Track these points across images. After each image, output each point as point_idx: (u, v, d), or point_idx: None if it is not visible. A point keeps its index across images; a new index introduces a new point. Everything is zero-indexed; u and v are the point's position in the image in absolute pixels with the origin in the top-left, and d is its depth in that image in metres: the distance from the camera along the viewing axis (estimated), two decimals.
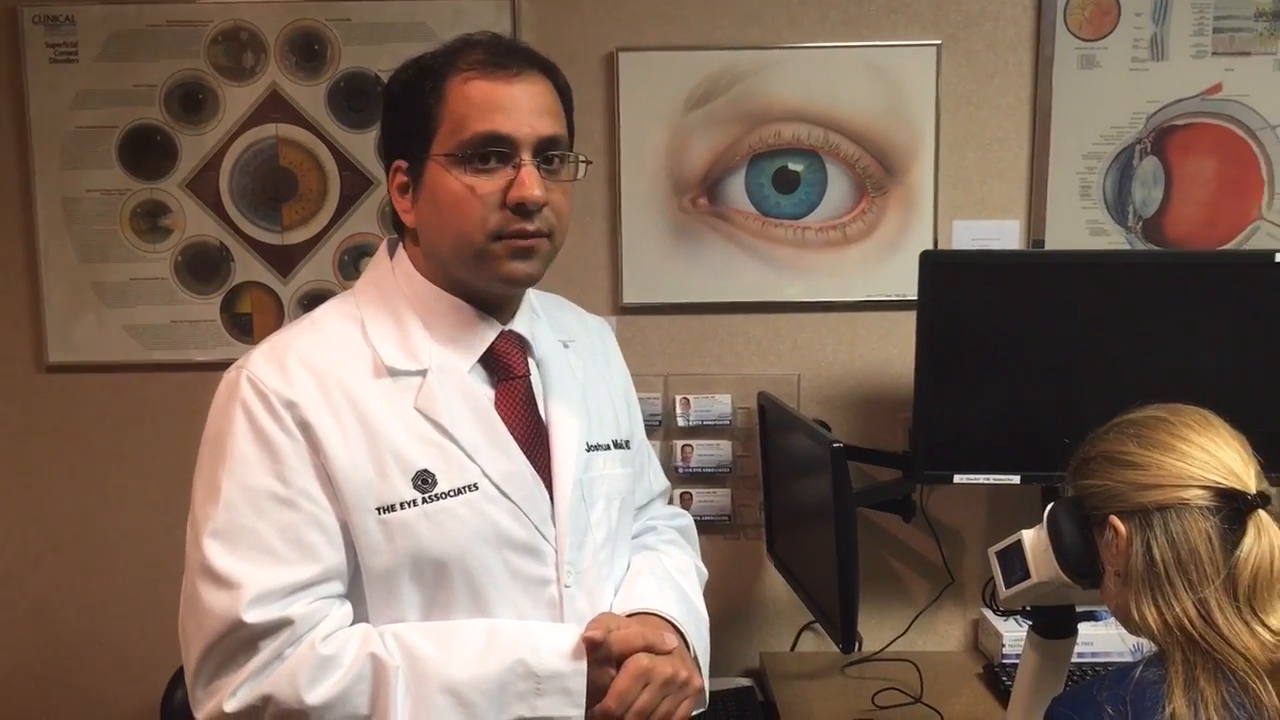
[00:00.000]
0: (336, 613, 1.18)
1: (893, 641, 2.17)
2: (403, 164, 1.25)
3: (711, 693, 2.04)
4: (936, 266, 1.91)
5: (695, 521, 2.17)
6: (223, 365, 1.25)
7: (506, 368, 1.29)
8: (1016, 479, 1.93)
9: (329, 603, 1.18)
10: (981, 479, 1.93)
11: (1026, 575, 1.50)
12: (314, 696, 1.13)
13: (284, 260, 2.16)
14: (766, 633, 2.23)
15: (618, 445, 1.38)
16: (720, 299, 2.16)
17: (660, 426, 2.18)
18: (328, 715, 1.14)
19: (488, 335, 1.28)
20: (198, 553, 1.16)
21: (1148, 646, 1.29)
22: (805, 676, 2.07)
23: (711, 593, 2.21)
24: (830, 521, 1.70)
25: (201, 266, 2.16)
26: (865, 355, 2.19)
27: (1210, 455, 1.27)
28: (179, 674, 1.81)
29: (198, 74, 2.11)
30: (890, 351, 2.15)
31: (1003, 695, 1.91)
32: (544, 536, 1.25)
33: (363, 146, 2.13)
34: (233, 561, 1.14)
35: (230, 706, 1.14)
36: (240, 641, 1.13)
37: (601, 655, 1.21)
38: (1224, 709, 1.15)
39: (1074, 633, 1.59)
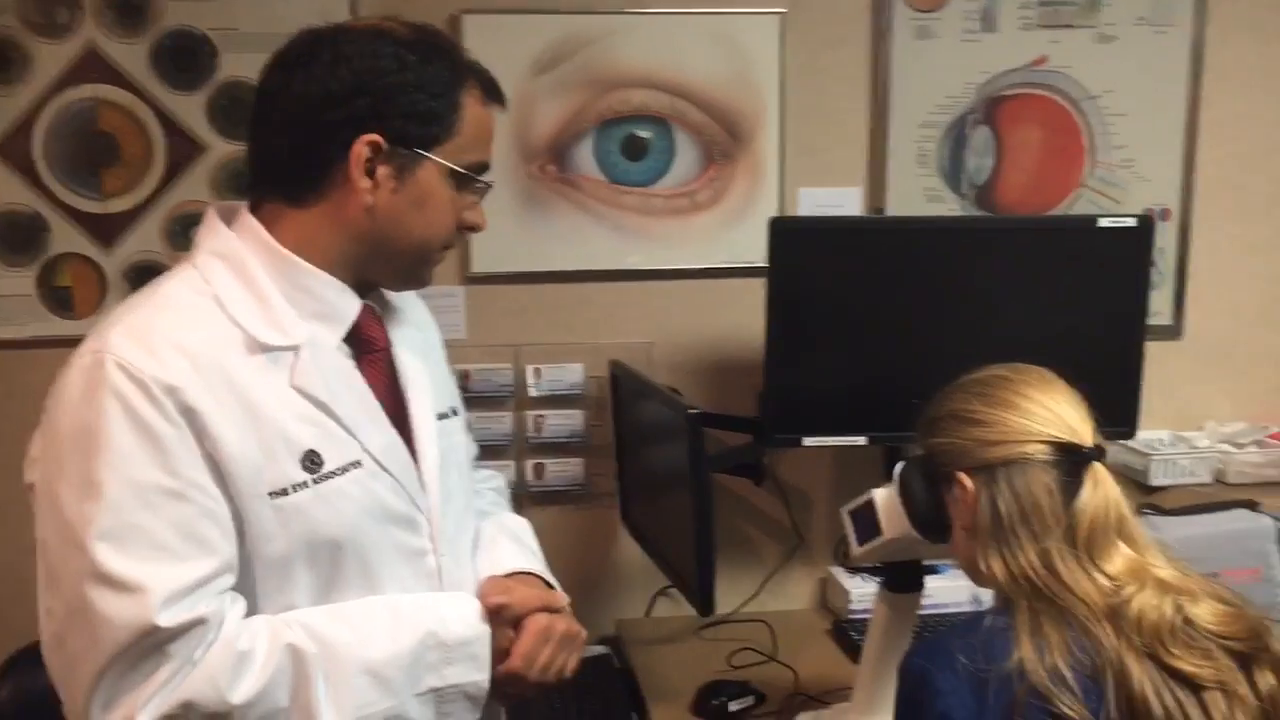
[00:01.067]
0: (237, 607, 1.12)
1: (745, 603, 2.20)
2: (380, 143, 1.16)
3: None
4: (785, 233, 1.93)
5: (549, 492, 2.18)
6: (40, 344, 1.16)
7: (368, 341, 1.25)
8: (863, 440, 1.98)
9: (228, 597, 1.12)
10: (830, 441, 1.98)
11: (878, 533, 1.54)
12: (238, 695, 1.07)
13: (106, 230, 2.03)
14: (622, 600, 2.24)
15: (455, 412, 1.38)
16: (570, 267, 2.14)
17: (511, 397, 2.15)
18: (250, 713, 1.08)
19: (352, 309, 1.23)
20: (82, 559, 1.05)
21: (990, 597, 1.34)
22: (661, 641, 2.08)
23: (566, 562, 2.20)
24: (686, 487, 1.71)
25: (14, 237, 2.01)
26: (715, 322, 2.20)
27: (1050, 411, 1.33)
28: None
29: (6, 30, 1.96)
30: (740, 318, 2.17)
31: (851, 649, 1.97)
32: (419, 508, 1.24)
33: (190, 109, 2.02)
34: (130, 563, 1.05)
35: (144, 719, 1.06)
36: (149, 648, 1.05)
37: (504, 619, 1.24)
38: (1068, 652, 1.21)
39: (922, 586, 1.64)
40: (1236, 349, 2.34)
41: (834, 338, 1.98)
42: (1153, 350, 2.15)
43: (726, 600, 2.21)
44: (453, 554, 1.27)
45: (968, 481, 1.33)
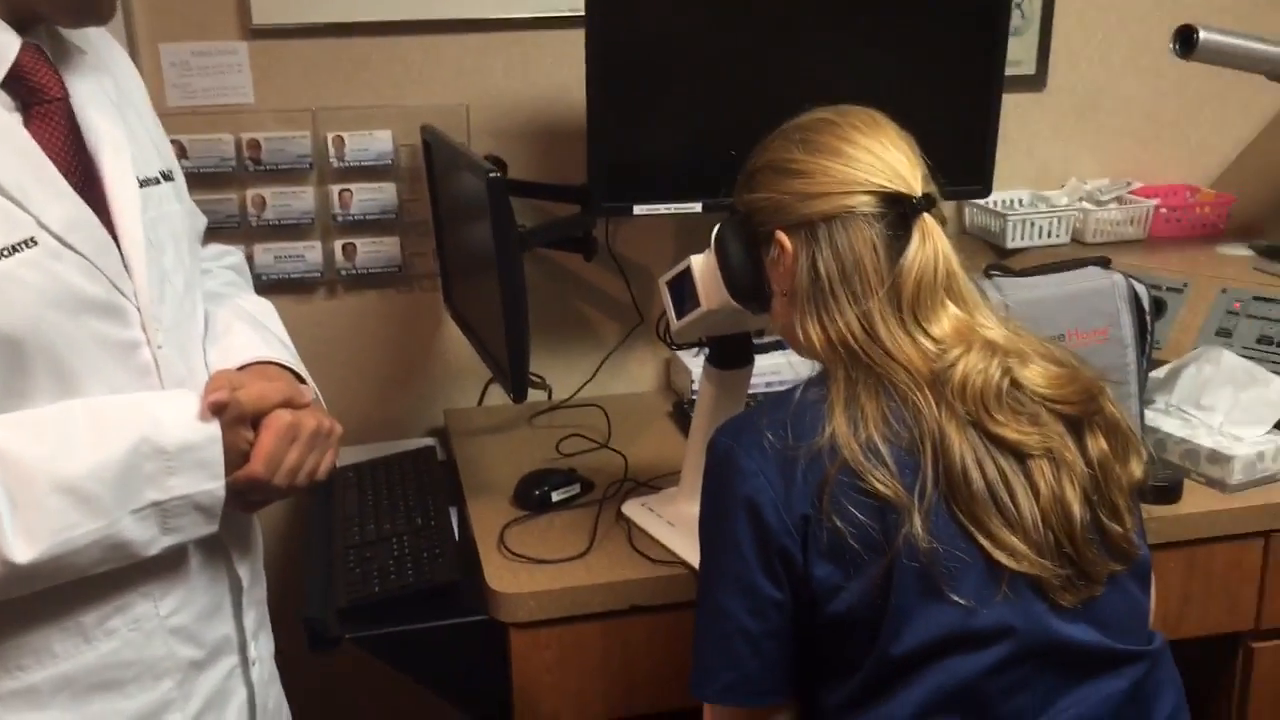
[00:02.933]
0: None
1: (582, 387, 2.06)
2: None
3: (388, 456, 1.91)
4: None
5: (363, 275, 1.98)
6: None
7: (37, 89, 1.00)
8: (698, 207, 1.80)
9: None
10: (663, 209, 1.80)
11: (696, 304, 1.39)
12: None
13: None
14: (451, 389, 2.08)
15: (166, 178, 1.14)
16: (372, 18, 1.88)
17: (312, 170, 1.91)
18: None
19: (8, 48, 0.99)
20: None
21: (812, 369, 1.21)
22: (491, 431, 1.94)
23: (388, 351, 2.04)
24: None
25: None
26: (539, 81, 1.97)
27: (876, 158, 1.17)
28: None
29: None
30: (566, 76, 1.94)
31: (686, 428, 1.85)
32: (122, 293, 1.02)
33: None
34: None
35: None
36: None
37: (233, 417, 1.03)
38: (884, 424, 1.09)
39: (750, 361, 1.51)
40: (1103, 100, 2.20)
41: (663, 95, 1.77)
42: (1012, 103, 2.00)
43: (565, 385, 2.08)
44: (175, 345, 1.07)
45: (786, 240, 1.18)
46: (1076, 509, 1.10)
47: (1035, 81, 2.15)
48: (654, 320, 2.09)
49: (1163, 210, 2.11)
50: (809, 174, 1.18)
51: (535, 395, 2.03)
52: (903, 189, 1.15)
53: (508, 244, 1.50)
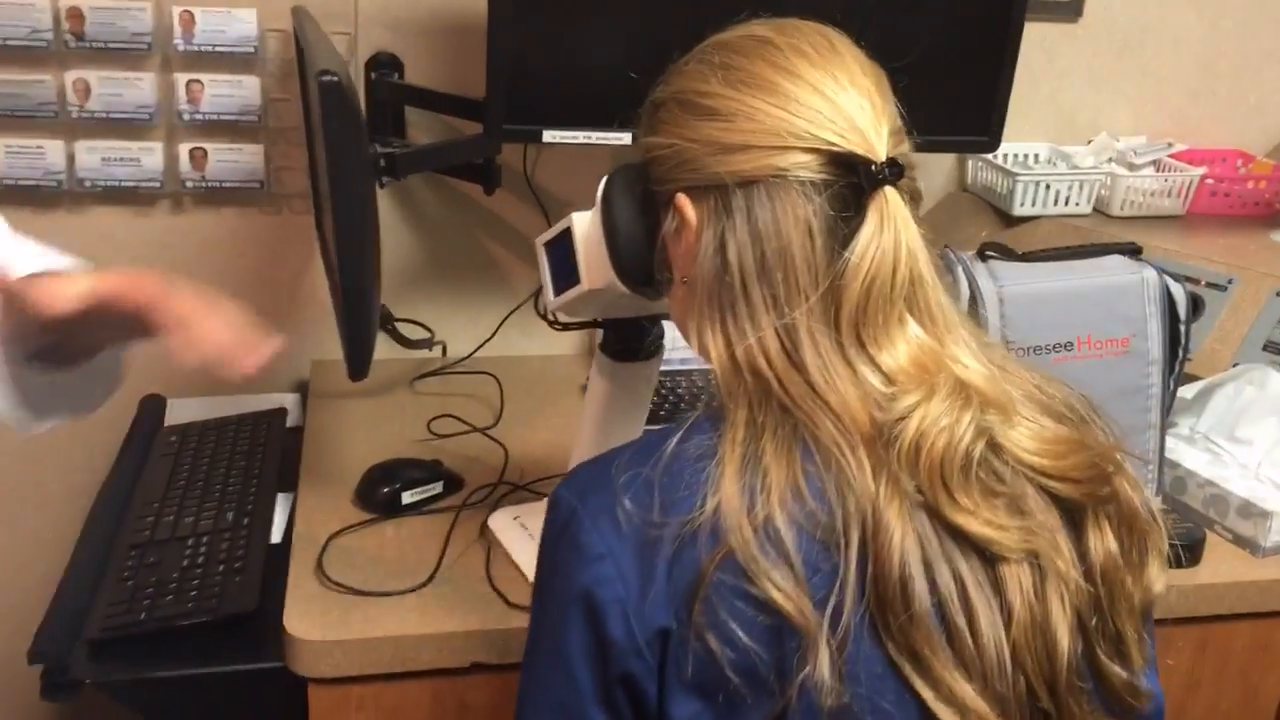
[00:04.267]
0: None
1: (480, 347, 1.70)
2: None
3: (229, 418, 1.55)
4: None
5: (217, 188, 1.60)
6: None
7: None
8: (627, 138, 1.42)
9: None
10: (579, 137, 1.42)
11: (576, 279, 1.02)
12: None
13: None
14: (325, 335, 1.71)
15: None
16: None
17: (151, 52, 1.52)
18: None
19: None
20: None
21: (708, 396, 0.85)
22: (360, 394, 1.58)
23: (248, 281, 1.67)
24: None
25: None
26: None
27: (825, 100, 0.80)
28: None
29: None
30: None
31: None
32: None
33: None
34: None
35: None
36: None
37: None
38: (794, 498, 0.73)
39: (656, 353, 1.14)
40: (1148, 39, 1.80)
41: None
42: (1036, 34, 1.61)
43: (463, 341, 1.71)
44: None
45: (689, 207, 0.83)
46: (1064, 641, 0.75)
47: (1068, 8, 1.74)
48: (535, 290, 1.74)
49: (1209, 181, 1.73)
50: (727, 115, 0.81)
51: (426, 353, 1.68)
52: (858, 148, 0.78)
53: (346, 173, 1.12)
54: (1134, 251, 1.28)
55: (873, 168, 0.78)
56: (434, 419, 1.49)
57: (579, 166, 1.67)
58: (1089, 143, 1.81)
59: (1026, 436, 0.77)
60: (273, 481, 1.37)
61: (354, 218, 1.14)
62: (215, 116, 1.56)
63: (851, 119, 0.79)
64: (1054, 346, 1.22)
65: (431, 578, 1.17)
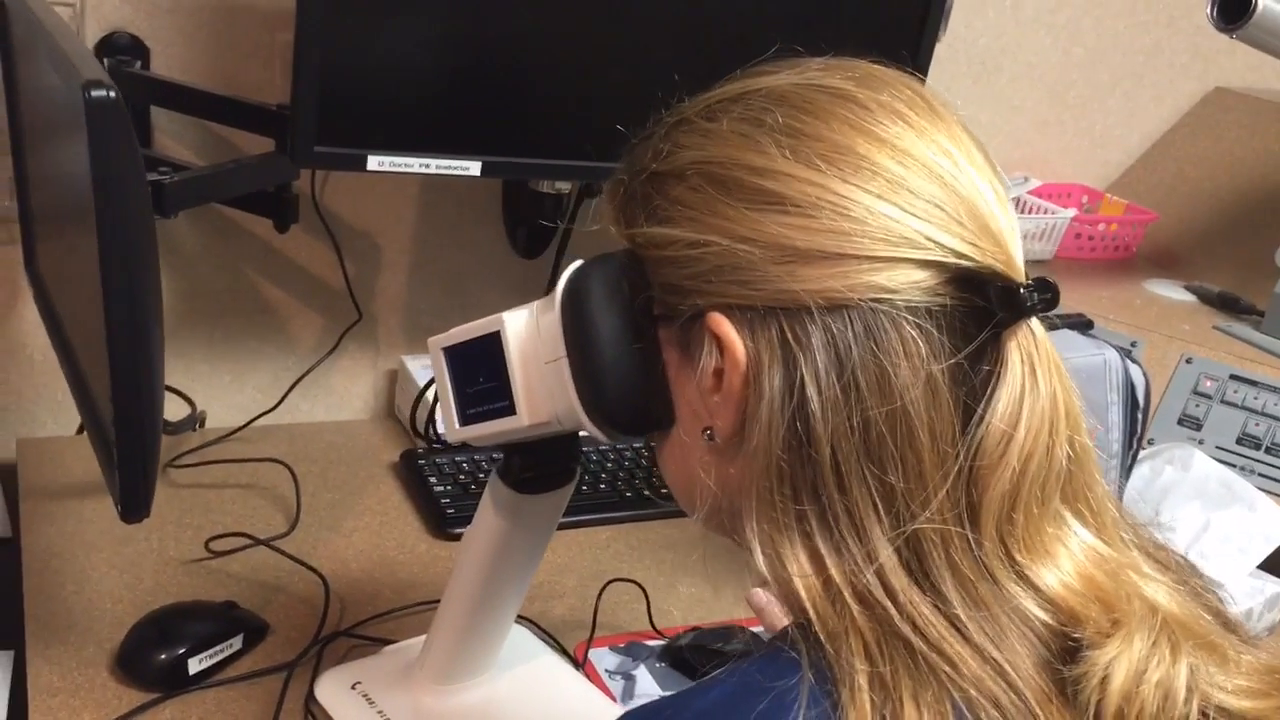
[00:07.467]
0: None
1: (260, 416, 1.32)
2: None
3: None
4: None
5: None
6: None
7: None
8: (476, 168, 1.10)
9: None
10: (418, 165, 1.09)
11: (509, 410, 0.71)
12: None
13: None
14: (36, 401, 1.29)
15: None
16: None
17: None
18: None
19: None
20: None
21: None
22: (93, 487, 1.16)
23: None
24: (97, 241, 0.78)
25: None
26: None
27: (945, 188, 0.55)
28: None
29: None
30: None
31: (430, 507, 1.18)
32: None
33: None
34: None
35: None
36: None
37: None
38: None
39: (571, 479, 0.85)
40: (1005, 62, 1.66)
41: None
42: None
43: (226, 410, 1.34)
44: None
45: (735, 338, 0.55)
46: None
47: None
48: (377, 315, 1.40)
49: (1074, 224, 1.60)
50: (804, 206, 0.54)
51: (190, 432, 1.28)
52: (997, 262, 0.53)
53: (121, 214, 0.76)
54: (1085, 325, 1.11)
55: (1019, 291, 0.53)
56: (212, 539, 1.10)
57: (377, 186, 1.33)
58: None
59: (1242, 686, 0.55)
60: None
61: (132, 267, 0.77)
62: None
63: (981, 216, 0.54)
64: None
65: None
